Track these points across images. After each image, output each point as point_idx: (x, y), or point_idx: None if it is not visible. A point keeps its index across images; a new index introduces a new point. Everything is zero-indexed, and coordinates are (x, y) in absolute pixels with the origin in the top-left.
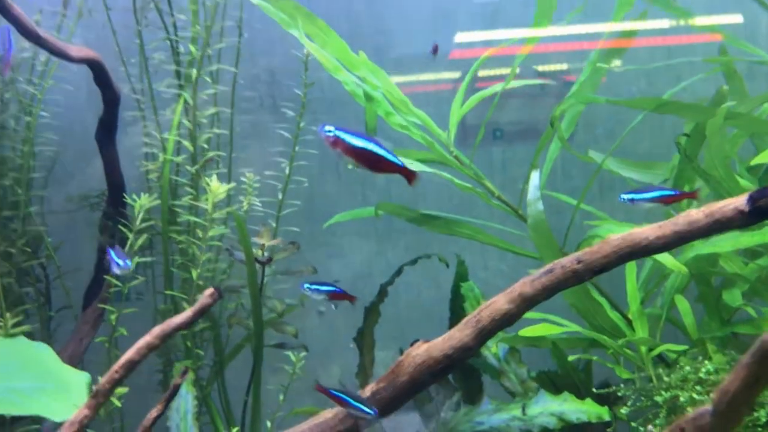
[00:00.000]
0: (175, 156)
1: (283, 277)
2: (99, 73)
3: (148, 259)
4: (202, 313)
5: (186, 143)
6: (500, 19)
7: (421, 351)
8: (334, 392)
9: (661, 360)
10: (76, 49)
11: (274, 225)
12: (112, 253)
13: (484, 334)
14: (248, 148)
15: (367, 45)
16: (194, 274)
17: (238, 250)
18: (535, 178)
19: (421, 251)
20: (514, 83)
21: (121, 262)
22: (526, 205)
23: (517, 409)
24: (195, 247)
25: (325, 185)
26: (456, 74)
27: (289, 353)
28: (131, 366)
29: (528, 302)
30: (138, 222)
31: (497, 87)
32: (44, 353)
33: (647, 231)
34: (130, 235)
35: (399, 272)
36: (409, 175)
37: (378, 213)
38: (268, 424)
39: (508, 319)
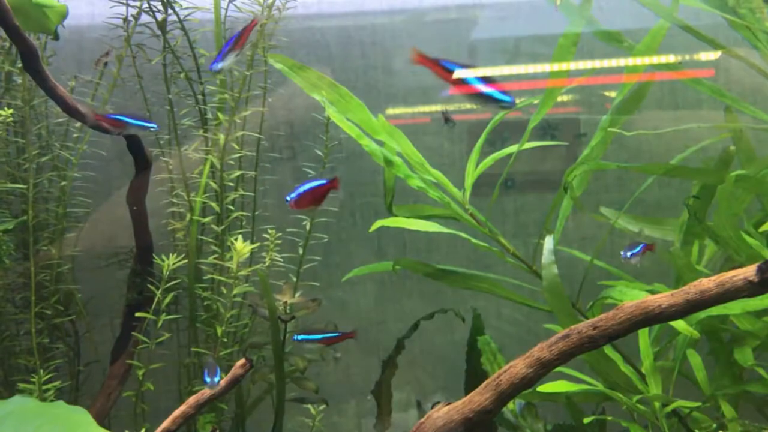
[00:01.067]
0: (202, 216)
1: None
2: (133, 142)
3: (174, 316)
4: (235, 384)
5: (213, 204)
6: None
7: (441, 413)
8: None
9: (674, 414)
10: (84, 108)
11: (294, 279)
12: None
13: (504, 397)
14: (270, 205)
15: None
16: (219, 330)
17: (261, 307)
18: (549, 242)
19: (435, 298)
20: (529, 144)
21: (209, 380)
22: (541, 266)
23: None
24: (219, 304)
25: (341, 233)
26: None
27: (309, 406)
28: (185, 418)
29: (545, 367)
30: (165, 281)
31: (512, 149)
32: (82, 418)
33: (660, 299)
34: (158, 293)
35: (416, 327)
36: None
37: (396, 269)
38: None
39: (526, 383)
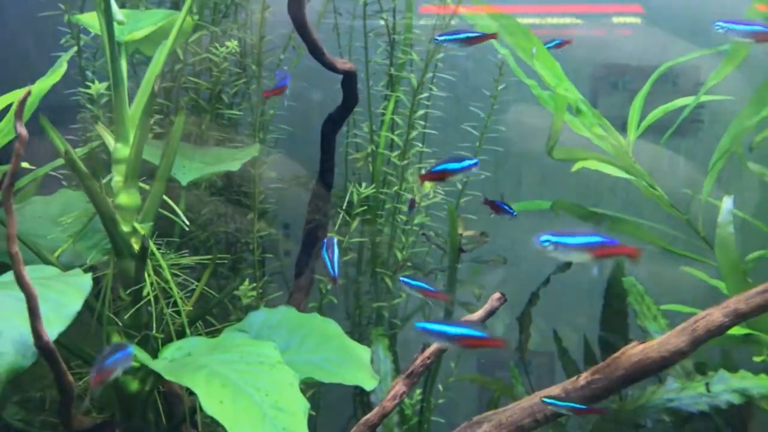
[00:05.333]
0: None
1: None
2: (349, 80)
3: (358, 239)
4: (492, 313)
5: (396, 139)
6: None
7: (637, 351)
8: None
9: None
10: (341, 62)
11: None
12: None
13: (698, 342)
14: (437, 143)
15: None
16: (399, 255)
17: (434, 238)
18: (728, 202)
19: None
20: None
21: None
22: (717, 226)
23: (701, 387)
24: (401, 231)
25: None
26: None
27: None
28: (439, 354)
29: (741, 318)
30: (356, 205)
31: (687, 100)
32: (335, 329)
33: None
34: (349, 219)
35: (568, 266)
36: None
37: (557, 210)
38: (440, 387)
39: (721, 331)
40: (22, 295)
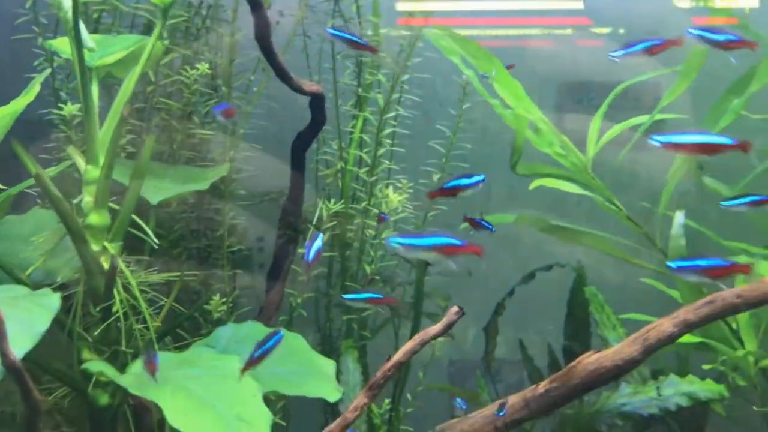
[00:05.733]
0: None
1: None
2: (317, 101)
3: (328, 254)
4: (450, 326)
5: (365, 156)
6: None
7: (592, 360)
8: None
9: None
10: (308, 84)
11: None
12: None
13: (650, 351)
14: (405, 159)
15: None
16: (368, 269)
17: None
18: (680, 216)
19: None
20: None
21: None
22: (669, 239)
23: (653, 391)
24: (368, 245)
25: None
26: None
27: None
28: (400, 366)
29: (689, 327)
30: (324, 219)
31: (642, 119)
32: (301, 343)
33: None
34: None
35: (532, 276)
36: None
37: (521, 223)
38: (408, 396)
39: (671, 341)
40: None
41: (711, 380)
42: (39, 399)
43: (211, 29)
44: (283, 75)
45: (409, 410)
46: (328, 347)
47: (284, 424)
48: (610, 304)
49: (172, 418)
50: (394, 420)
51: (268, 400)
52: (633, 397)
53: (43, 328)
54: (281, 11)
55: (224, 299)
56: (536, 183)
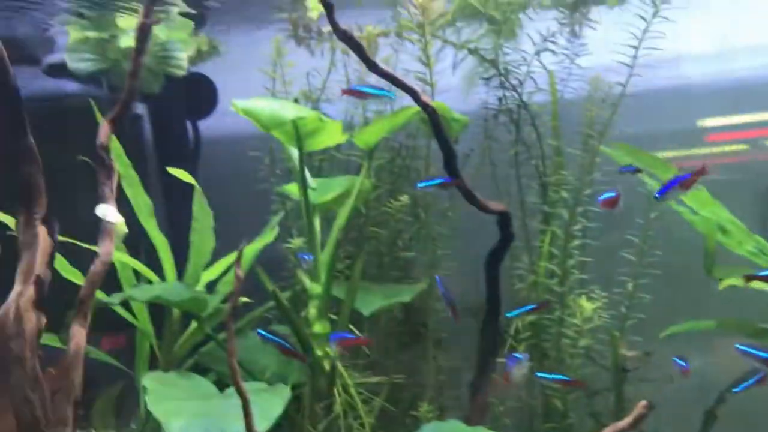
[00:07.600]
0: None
1: None
2: (505, 219)
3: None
4: (639, 421)
5: (554, 269)
6: None
7: None
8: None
9: None
10: (494, 204)
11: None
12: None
13: None
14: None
15: None
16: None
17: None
18: None
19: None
20: None
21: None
22: None
23: None
24: (567, 354)
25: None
26: None
27: None
28: None
29: None
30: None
31: None
32: None
33: None
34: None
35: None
36: None
37: (725, 329)
38: None
39: None
40: (239, 402)
41: None
42: None
43: (412, 168)
44: (470, 197)
45: None
46: None
47: None
48: None
49: None
50: None
51: None
52: None
53: (278, 413)
54: (472, 149)
55: (431, 407)
56: (725, 282)
